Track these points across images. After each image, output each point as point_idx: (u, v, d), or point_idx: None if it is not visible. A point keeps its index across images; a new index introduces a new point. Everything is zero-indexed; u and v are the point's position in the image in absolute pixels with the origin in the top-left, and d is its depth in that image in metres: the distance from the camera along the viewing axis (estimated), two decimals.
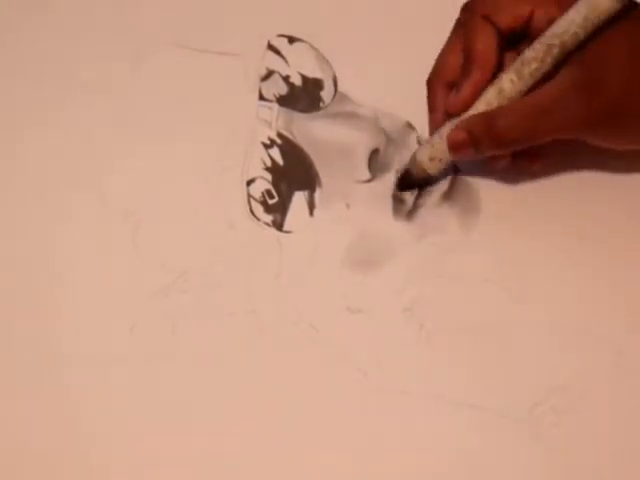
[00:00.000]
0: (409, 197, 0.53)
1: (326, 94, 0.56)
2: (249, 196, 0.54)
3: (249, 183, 0.54)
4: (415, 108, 0.55)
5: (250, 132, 0.55)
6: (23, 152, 0.55)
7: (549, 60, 0.48)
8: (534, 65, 0.48)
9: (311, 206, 0.54)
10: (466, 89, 0.49)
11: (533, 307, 0.50)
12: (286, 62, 0.57)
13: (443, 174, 0.53)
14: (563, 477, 0.47)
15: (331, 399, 0.49)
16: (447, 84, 0.51)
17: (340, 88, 0.56)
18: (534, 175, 0.53)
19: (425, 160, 0.51)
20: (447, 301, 0.51)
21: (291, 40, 0.58)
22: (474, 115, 0.49)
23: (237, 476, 0.48)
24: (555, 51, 0.47)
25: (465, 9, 0.51)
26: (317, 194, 0.54)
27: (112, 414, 0.49)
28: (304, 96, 0.56)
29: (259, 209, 0.53)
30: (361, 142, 0.54)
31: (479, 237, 0.52)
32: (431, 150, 0.51)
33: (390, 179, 0.53)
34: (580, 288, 0.51)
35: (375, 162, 0.54)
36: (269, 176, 0.54)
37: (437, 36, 0.54)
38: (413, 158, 0.52)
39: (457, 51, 0.51)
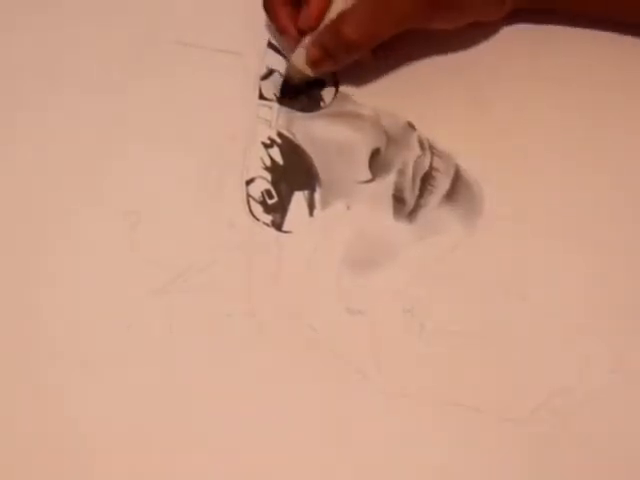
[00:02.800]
0: (410, 197, 0.52)
1: (327, 93, 0.56)
2: (248, 196, 0.53)
3: (248, 183, 0.54)
4: (416, 108, 0.54)
5: (250, 131, 0.55)
6: (21, 151, 0.55)
7: None
8: None
9: (311, 206, 0.53)
10: (315, 3, 0.52)
11: (534, 308, 0.50)
12: (286, 61, 0.57)
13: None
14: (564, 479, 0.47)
15: (330, 401, 0.48)
16: (285, 2, 0.53)
17: (341, 88, 0.56)
18: (535, 174, 0.53)
19: (301, 64, 0.53)
20: (448, 302, 0.50)
21: None
22: (323, 27, 0.52)
23: (235, 476, 0.47)
24: None
25: None
26: (317, 194, 0.53)
27: (109, 413, 0.48)
28: (305, 95, 0.56)
29: (258, 209, 0.53)
30: (362, 142, 0.54)
31: (480, 238, 0.52)
32: (305, 54, 0.53)
33: (392, 180, 0.53)
34: (581, 290, 0.51)
35: (376, 162, 0.54)
36: (269, 176, 0.54)
37: (438, 35, 0.54)
38: (290, 65, 0.54)
39: None
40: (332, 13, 0.52)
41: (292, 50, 0.54)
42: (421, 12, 0.51)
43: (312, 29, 0.52)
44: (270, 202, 0.53)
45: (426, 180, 0.53)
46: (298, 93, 0.55)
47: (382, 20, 0.51)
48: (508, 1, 0.53)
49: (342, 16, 0.51)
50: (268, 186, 0.54)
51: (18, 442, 0.48)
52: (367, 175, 0.53)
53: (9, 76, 0.58)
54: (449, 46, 0.56)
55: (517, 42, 0.57)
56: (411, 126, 0.54)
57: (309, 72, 0.54)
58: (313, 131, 0.55)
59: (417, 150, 0.53)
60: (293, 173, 0.54)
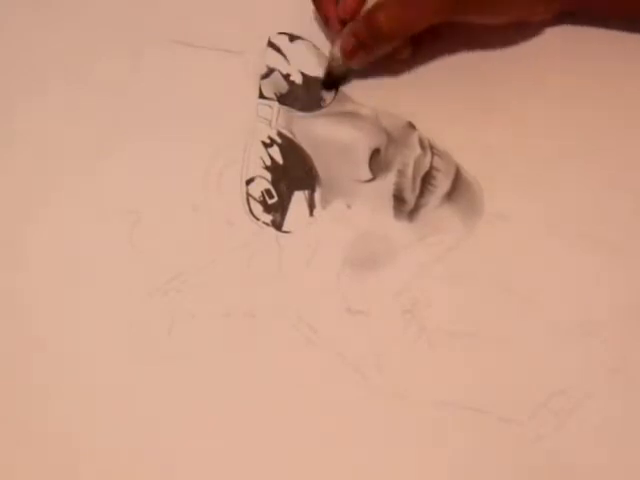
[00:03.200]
0: (410, 197, 0.52)
1: (327, 93, 0.56)
2: (248, 195, 0.53)
3: (248, 182, 0.53)
4: (416, 108, 0.54)
5: (250, 131, 0.55)
6: (21, 150, 0.55)
7: None
8: None
9: (311, 206, 0.53)
10: None
11: (534, 309, 0.50)
12: (287, 60, 0.57)
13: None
14: None
15: (330, 402, 0.48)
16: None
17: (341, 88, 0.56)
18: (536, 174, 0.53)
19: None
20: (448, 303, 0.50)
21: (292, 38, 0.57)
22: (358, 17, 0.52)
23: (234, 476, 0.47)
24: None
25: None
26: (317, 194, 0.53)
27: (108, 412, 0.48)
28: (305, 95, 0.56)
29: (258, 209, 0.53)
30: (362, 142, 0.54)
31: (481, 238, 0.52)
32: None
33: (392, 179, 0.53)
34: (581, 289, 0.50)
35: (376, 162, 0.53)
36: (269, 175, 0.54)
37: (443, 34, 0.54)
38: (331, 55, 0.54)
39: None
40: (370, 3, 0.52)
41: (335, 38, 0.54)
42: (449, 8, 0.51)
43: (349, 20, 0.53)
44: (270, 202, 0.53)
45: (426, 180, 0.53)
46: (338, 84, 0.55)
47: (414, 13, 0.51)
48: (556, 1, 0.54)
49: (376, 6, 0.52)
50: (268, 186, 0.53)
51: (14, 443, 0.48)
52: (367, 175, 0.53)
53: (8, 75, 0.58)
54: (449, 45, 0.56)
55: (520, 42, 0.57)
56: (411, 126, 0.54)
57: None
58: (313, 131, 0.55)
59: (417, 150, 0.53)
60: (293, 172, 0.54)
